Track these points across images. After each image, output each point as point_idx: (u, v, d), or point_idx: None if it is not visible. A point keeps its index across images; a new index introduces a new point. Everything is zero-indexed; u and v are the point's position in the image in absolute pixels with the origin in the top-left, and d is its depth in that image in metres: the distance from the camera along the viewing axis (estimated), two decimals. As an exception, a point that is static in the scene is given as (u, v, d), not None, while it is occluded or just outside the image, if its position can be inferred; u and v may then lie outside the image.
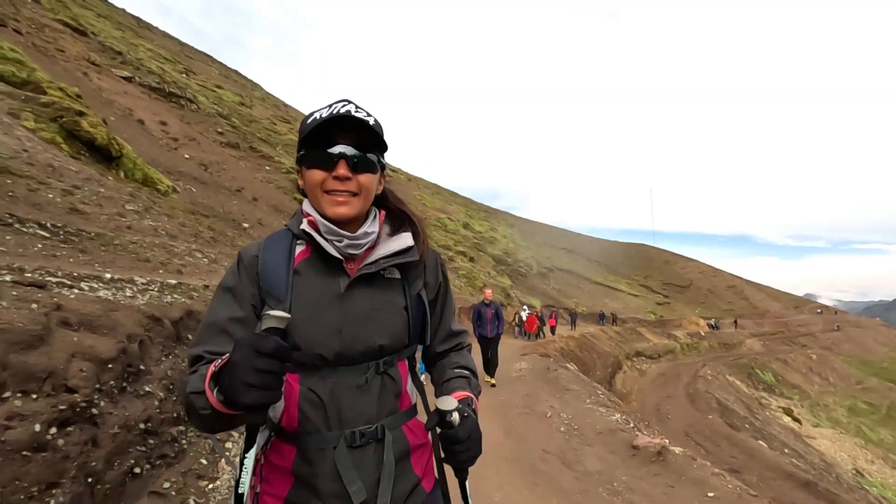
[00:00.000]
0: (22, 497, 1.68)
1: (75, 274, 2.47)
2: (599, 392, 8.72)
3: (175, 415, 2.41)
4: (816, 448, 18.90)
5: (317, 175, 1.03)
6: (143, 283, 2.81)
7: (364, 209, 1.08)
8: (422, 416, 1.16)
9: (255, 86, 54.68)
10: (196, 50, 51.54)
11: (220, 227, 6.97)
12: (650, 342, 29.00)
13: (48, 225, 3.08)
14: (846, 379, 38.19)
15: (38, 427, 1.83)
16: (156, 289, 2.86)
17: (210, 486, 2.25)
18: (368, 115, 1.04)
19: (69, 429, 1.95)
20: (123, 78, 18.43)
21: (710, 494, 4.35)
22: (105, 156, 6.36)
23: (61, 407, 1.93)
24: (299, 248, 1.10)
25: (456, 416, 1.01)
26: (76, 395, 2.02)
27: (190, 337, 2.92)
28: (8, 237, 2.72)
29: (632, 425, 6.50)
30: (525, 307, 22.71)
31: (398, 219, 1.19)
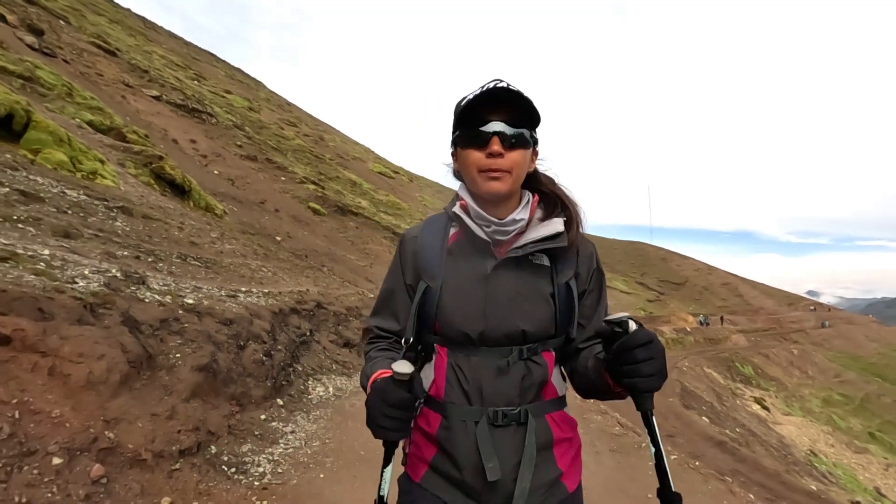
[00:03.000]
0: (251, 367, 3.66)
1: (230, 288, 4.42)
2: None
3: (288, 360, 4.36)
4: (778, 432, 20.90)
5: (472, 154, 1.04)
6: (254, 293, 4.78)
7: (516, 187, 1.08)
8: (569, 411, 1.15)
9: (259, 84, 56.71)
10: (200, 49, 53.81)
11: (264, 242, 8.97)
12: (636, 337, 31.03)
13: (195, 257, 5.05)
14: (825, 372, 40.14)
15: (256, 348, 3.77)
16: (261, 294, 4.84)
17: (307, 397, 4.21)
18: (519, 91, 1.02)
19: (254, 345, 3.90)
20: (153, 97, 20.44)
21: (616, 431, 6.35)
22: (180, 191, 8.35)
23: (254, 346, 3.87)
24: (453, 230, 1.15)
25: (632, 322, 0.91)
26: (256, 343, 3.95)
27: (285, 323, 4.89)
28: (180, 268, 4.71)
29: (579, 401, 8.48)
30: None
31: (553, 203, 1.17)
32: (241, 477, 2.36)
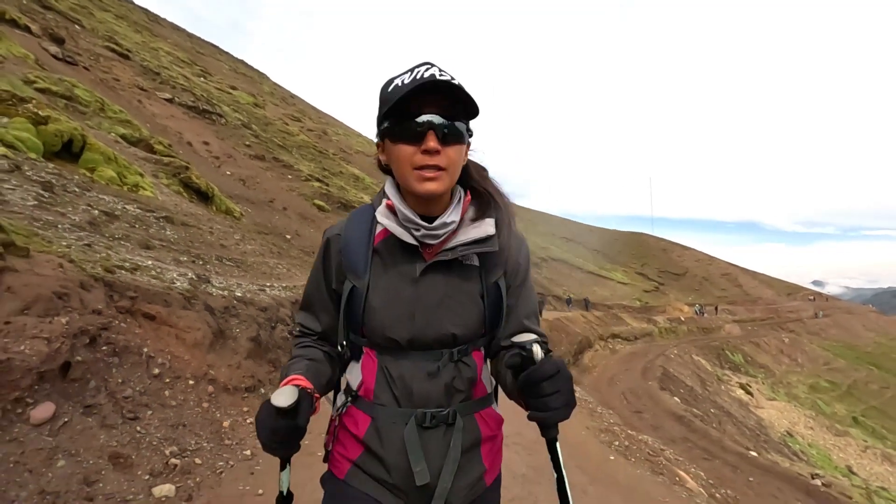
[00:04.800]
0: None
1: (258, 283, 5.60)
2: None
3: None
4: (758, 415, 22.14)
5: (405, 150, 0.98)
6: (276, 287, 5.96)
7: (452, 184, 1.03)
8: (497, 408, 1.18)
9: (263, 77, 57.85)
10: (203, 41, 55.07)
11: (276, 241, 10.18)
12: (629, 326, 32.21)
13: (227, 258, 6.23)
14: (815, 360, 41.33)
15: (282, 328, 5.02)
16: (281, 288, 6.03)
17: None
18: (453, 78, 0.95)
19: (281, 326, 5.13)
20: (166, 100, 21.60)
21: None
22: (204, 197, 9.55)
23: (281, 327, 5.12)
24: (380, 227, 1.09)
25: (537, 349, 0.92)
26: (283, 325, 5.12)
27: None
28: (221, 268, 5.90)
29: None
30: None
31: (484, 200, 1.13)
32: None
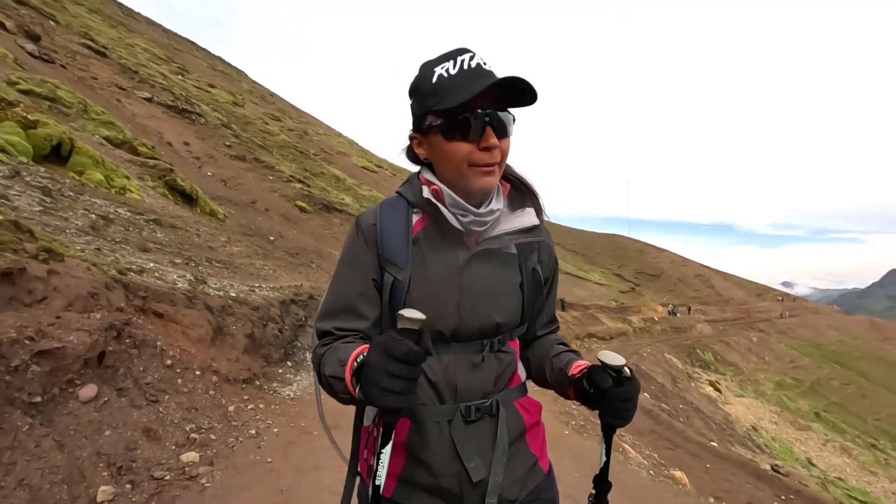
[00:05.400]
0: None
1: (248, 284, 5.88)
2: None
3: (292, 337, 5.87)
4: (725, 410, 23.09)
5: (461, 148, 0.95)
6: (264, 287, 6.25)
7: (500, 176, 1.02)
8: (532, 395, 1.17)
9: (241, 74, 57.37)
10: (180, 37, 54.42)
11: (261, 243, 10.40)
12: (605, 326, 33.06)
13: (216, 260, 6.48)
14: (781, 358, 43.01)
15: (272, 326, 5.33)
16: (269, 289, 6.31)
17: (306, 362, 5.73)
18: (513, 74, 0.92)
19: (271, 325, 5.45)
20: (145, 99, 21.43)
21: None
22: (189, 199, 9.71)
23: (272, 325, 5.41)
24: (416, 217, 1.07)
25: (628, 371, 0.99)
26: (273, 323, 5.42)
27: (287, 310, 6.39)
28: (212, 269, 6.15)
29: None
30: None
31: (518, 190, 1.14)
32: (275, 395, 3.96)
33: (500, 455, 1.01)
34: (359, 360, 0.85)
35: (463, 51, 0.96)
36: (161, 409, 3.00)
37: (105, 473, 2.47)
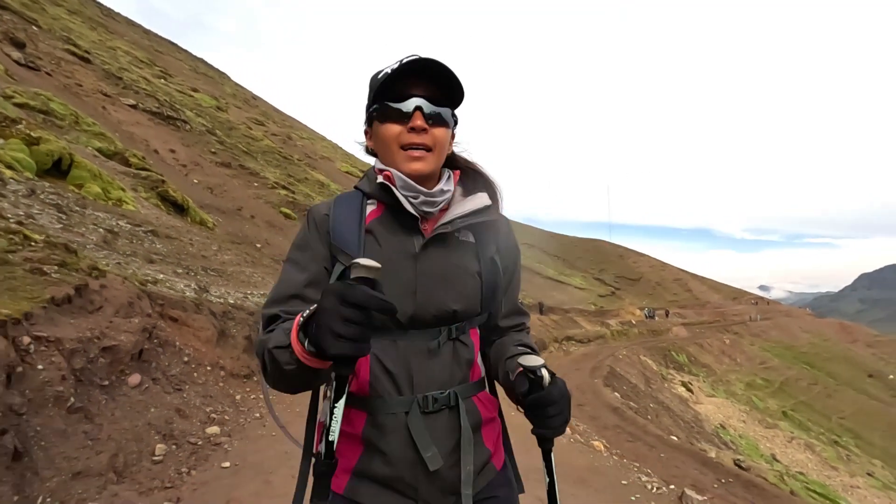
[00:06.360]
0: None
1: (242, 291, 6.40)
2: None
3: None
4: (696, 409, 24.12)
5: (392, 129, 1.01)
6: (256, 294, 6.77)
7: (438, 166, 1.06)
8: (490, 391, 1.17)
9: (224, 77, 57.24)
10: (161, 38, 54.19)
11: (249, 251, 10.87)
12: (583, 329, 34.03)
13: (211, 269, 6.98)
14: (752, 360, 44.60)
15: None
16: (259, 295, 6.83)
17: None
18: (443, 64, 0.98)
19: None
20: (130, 106, 21.64)
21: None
22: (180, 209, 10.16)
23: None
24: (370, 208, 1.09)
25: (545, 373, 0.94)
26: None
27: None
28: (209, 278, 6.66)
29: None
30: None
31: (472, 179, 1.16)
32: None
33: (466, 444, 1.01)
34: (305, 314, 0.82)
35: (411, 55, 1.00)
36: (185, 395, 3.73)
37: (156, 437, 3.31)
